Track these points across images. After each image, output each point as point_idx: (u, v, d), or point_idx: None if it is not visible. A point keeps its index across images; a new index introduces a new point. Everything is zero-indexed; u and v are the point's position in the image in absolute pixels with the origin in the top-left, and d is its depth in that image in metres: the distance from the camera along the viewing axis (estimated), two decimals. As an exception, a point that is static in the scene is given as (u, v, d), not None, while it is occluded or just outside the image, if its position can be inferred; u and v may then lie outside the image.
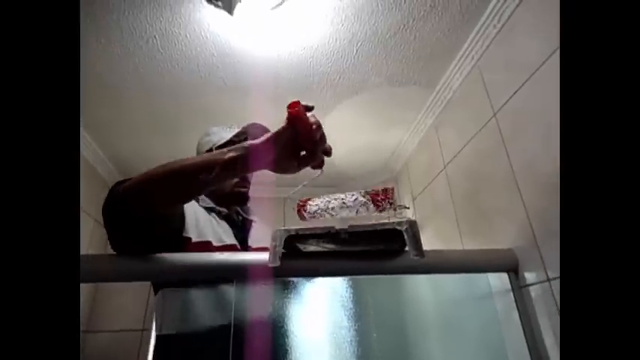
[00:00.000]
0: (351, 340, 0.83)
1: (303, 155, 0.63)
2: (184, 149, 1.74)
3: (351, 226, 0.72)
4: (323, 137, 0.63)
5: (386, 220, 0.75)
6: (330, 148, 0.64)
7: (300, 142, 0.61)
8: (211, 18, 1.07)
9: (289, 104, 0.59)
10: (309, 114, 0.62)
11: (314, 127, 0.60)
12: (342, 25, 1.12)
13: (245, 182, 0.99)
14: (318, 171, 0.66)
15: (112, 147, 1.74)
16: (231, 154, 0.62)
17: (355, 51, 1.22)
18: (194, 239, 0.83)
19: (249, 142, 0.63)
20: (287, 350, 0.79)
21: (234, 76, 1.30)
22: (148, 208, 0.66)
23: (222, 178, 0.64)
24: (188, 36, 1.13)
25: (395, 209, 0.73)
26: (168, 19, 1.07)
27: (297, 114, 0.59)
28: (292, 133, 0.60)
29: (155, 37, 1.13)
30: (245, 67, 1.26)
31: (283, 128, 0.61)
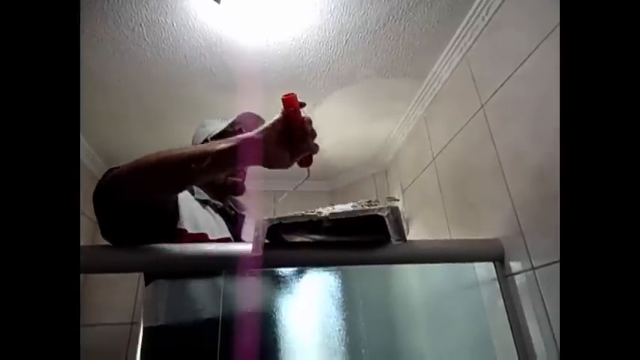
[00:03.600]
0: (339, 330, 0.83)
1: (294, 147, 0.65)
2: (173, 141, 1.72)
3: (332, 214, 0.71)
4: (313, 131, 0.65)
5: (368, 207, 0.75)
6: (318, 146, 0.66)
7: (292, 131, 0.63)
8: (198, 6, 1.05)
9: (284, 95, 0.62)
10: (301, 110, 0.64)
11: (306, 119, 0.63)
12: (331, 15, 1.11)
13: (240, 172, 0.99)
14: (305, 174, 0.70)
15: (99, 139, 1.71)
16: (223, 145, 0.62)
17: (344, 42, 1.22)
18: (190, 231, 0.82)
19: (243, 134, 0.63)
20: (275, 341, 0.80)
21: (223, 67, 1.29)
22: (137, 196, 0.65)
23: (213, 169, 0.64)
24: (174, 25, 1.11)
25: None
26: (154, 6, 1.05)
27: (292, 104, 0.62)
28: (285, 123, 0.62)
29: (141, 25, 1.11)
30: (233, 57, 1.25)
31: (278, 118, 0.63)
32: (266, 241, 0.71)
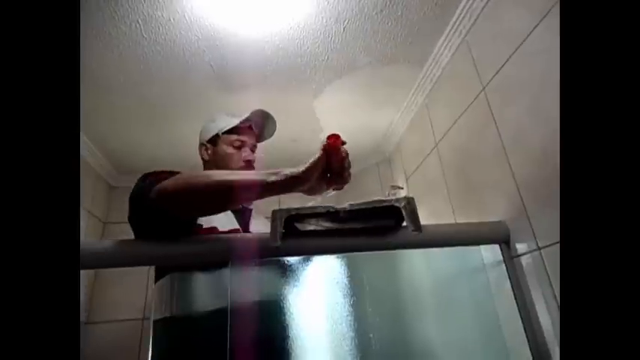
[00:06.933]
0: (346, 316, 0.84)
1: (330, 178, 0.72)
2: (175, 138, 1.73)
3: (350, 205, 0.74)
4: (349, 164, 0.72)
5: (384, 198, 0.77)
6: (351, 176, 0.73)
7: (331, 168, 0.70)
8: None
9: (329, 136, 0.69)
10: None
11: (344, 155, 0.70)
12: (328, 2, 1.10)
13: (250, 168, 1.02)
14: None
15: (100, 135, 1.72)
16: (273, 178, 0.68)
17: (342, 29, 1.21)
18: (204, 225, 0.86)
19: (290, 170, 0.69)
20: (283, 328, 0.80)
21: (221, 60, 1.29)
22: (187, 213, 0.74)
23: (260, 197, 0.71)
24: (171, 19, 1.11)
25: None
26: (151, 2, 1.04)
27: (336, 145, 0.68)
28: (326, 160, 0.69)
29: (138, 21, 1.11)
30: (231, 50, 1.24)
31: (320, 157, 0.68)
32: (282, 230, 0.73)
